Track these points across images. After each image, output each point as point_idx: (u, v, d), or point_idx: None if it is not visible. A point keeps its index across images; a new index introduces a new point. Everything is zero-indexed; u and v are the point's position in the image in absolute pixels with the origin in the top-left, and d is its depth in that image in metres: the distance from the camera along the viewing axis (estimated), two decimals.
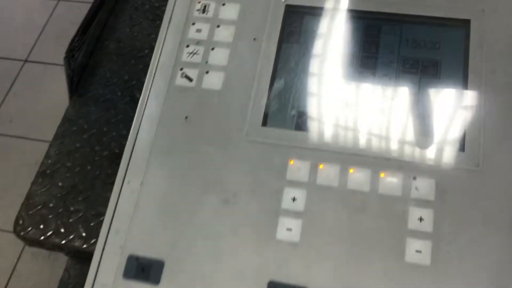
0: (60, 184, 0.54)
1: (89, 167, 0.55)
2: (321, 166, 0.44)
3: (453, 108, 0.45)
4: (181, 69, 0.50)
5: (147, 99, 0.49)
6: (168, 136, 0.47)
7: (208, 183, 0.45)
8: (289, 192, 0.44)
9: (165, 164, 0.46)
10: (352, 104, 0.47)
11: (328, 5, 0.50)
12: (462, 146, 0.43)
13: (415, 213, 0.42)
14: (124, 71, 0.60)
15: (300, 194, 0.43)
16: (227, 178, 0.45)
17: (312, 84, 0.48)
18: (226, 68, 0.49)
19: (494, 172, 0.42)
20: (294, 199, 0.43)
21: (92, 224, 0.52)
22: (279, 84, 0.48)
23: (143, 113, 0.48)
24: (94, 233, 0.51)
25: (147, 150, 0.47)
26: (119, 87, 0.59)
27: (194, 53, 0.50)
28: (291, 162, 0.45)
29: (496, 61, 0.45)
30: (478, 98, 0.44)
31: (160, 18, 0.64)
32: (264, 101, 0.47)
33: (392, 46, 0.49)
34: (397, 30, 0.49)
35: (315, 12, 0.50)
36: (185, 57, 0.50)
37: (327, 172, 0.44)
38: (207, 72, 0.49)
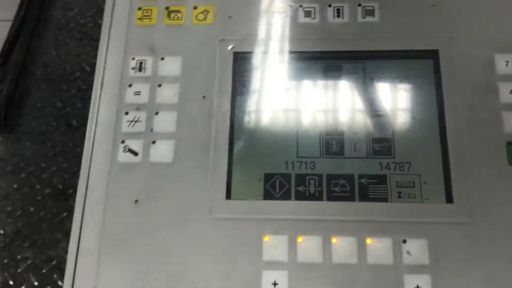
0: (1, 231, 0.48)
1: (32, 209, 0.49)
2: (300, 239, 0.39)
3: (433, 154, 0.41)
4: (123, 141, 0.42)
5: (87, 183, 0.41)
6: (117, 227, 0.40)
7: (173, 278, 0.38)
8: (269, 276, 0.38)
9: (119, 261, 0.39)
10: (324, 159, 0.41)
11: (281, 49, 0.44)
12: (449, 197, 0.39)
13: (411, 281, 0.37)
14: (56, 98, 0.54)
15: (281, 276, 0.38)
16: (195, 268, 0.39)
17: (276, 141, 0.43)
18: (175, 135, 0.42)
19: (488, 223, 0.38)
20: (275, 284, 0.38)
21: (44, 270, 0.46)
22: (239, 146, 0.42)
23: (84, 202, 0.41)
24: (47, 280, 0.46)
25: (95, 248, 0.39)
26: (52, 116, 0.54)
27: (136, 121, 0.43)
28: (266, 239, 0.39)
29: (472, 94, 0.42)
30: (459, 140, 0.40)
31: (87, 36, 0.57)
32: (224, 169, 0.41)
33: (357, 86, 0.44)
34: (360, 69, 0.44)
35: (268, 57, 0.44)
36: (125, 127, 0.43)
37: (308, 246, 0.38)
38: (153, 142, 0.42)
